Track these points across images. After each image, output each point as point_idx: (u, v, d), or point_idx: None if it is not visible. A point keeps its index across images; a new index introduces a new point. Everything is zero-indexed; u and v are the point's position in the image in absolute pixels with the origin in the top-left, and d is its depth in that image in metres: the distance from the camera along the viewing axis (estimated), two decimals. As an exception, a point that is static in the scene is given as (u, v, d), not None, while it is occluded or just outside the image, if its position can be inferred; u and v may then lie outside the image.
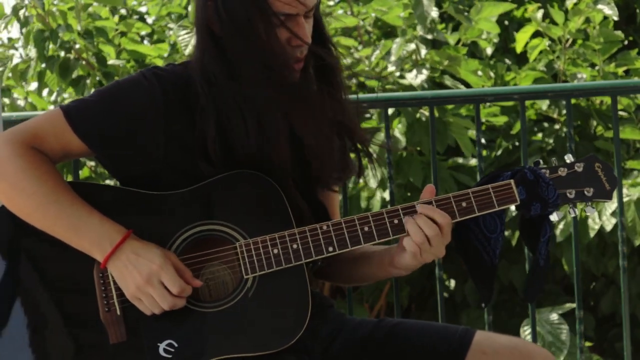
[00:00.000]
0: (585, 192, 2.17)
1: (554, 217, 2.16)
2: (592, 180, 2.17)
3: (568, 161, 2.19)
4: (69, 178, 3.06)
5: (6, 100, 4.42)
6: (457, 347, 2.18)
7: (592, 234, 4.02)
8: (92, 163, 4.24)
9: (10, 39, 4.59)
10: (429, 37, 4.23)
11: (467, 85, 4.31)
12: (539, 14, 4.45)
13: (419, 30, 4.19)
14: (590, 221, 3.99)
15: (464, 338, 2.19)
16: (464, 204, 2.12)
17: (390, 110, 4.05)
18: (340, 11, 4.51)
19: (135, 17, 5.41)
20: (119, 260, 2.06)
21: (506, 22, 4.97)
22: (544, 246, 2.17)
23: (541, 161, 2.20)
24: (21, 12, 4.26)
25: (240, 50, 2.10)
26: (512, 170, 2.17)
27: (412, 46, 4.23)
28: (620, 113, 4.32)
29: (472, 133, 4.16)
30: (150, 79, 2.14)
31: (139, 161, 2.14)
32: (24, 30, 4.24)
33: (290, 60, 2.12)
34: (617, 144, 3.22)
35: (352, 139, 2.24)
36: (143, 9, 5.53)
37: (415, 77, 4.16)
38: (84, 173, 4.21)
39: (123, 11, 5.44)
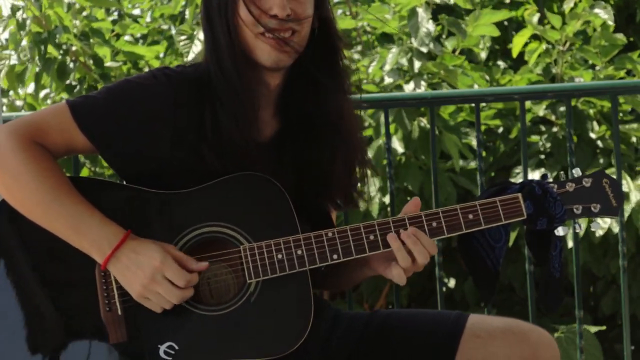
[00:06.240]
0: (592, 208, 2.16)
1: (559, 232, 2.14)
2: (599, 196, 2.16)
3: (576, 175, 2.17)
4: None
5: (5, 101, 4.41)
6: (451, 332, 2.19)
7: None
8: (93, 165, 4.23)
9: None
10: (423, 49, 4.21)
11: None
12: (535, 17, 4.45)
13: (413, 42, 4.18)
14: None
15: (457, 323, 2.20)
16: (470, 217, 2.11)
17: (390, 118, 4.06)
18: (340, 12, 4.49)
19: (129, 20, 5.39)
20: (119, 262, 2.05)
21: (505, 23, 4.96)
22: (557, 259, 2.16)
23: (549, 174, 2.17)
24: (18, 14, 4.25)
25: (213, 37, 2.10)
26: (520, 184, 2.15)
27: (407, 58, 4.22)
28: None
29: (469, 139, 4.16)
30: (160, 79, 2.12)
31: (145, 160, 2.12)
32: (22, 32, 4.23)
33: (259, 36, 2.09)
34: (617, 144, 3.22)
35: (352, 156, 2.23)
36: (136, 12, 5.52)
37: (413, 89, 4.15)
38: (82, 174, 4.19)
39: (115, 14, 5.43)
